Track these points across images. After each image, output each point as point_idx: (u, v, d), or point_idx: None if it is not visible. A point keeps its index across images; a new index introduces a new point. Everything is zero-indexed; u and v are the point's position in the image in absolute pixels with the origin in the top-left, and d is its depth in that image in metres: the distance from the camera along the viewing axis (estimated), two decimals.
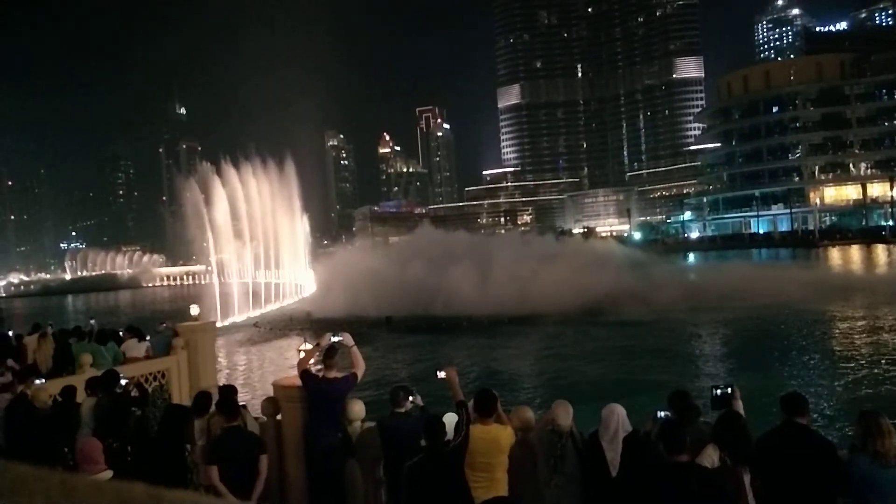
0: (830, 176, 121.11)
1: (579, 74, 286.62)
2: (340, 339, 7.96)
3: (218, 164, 56.44)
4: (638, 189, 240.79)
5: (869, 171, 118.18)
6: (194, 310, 15.93)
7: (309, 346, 8.46)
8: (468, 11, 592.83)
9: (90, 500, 1.04)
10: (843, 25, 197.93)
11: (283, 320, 44.01)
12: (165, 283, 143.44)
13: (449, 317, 37.75)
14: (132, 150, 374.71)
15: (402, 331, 36.17)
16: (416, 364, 26.32)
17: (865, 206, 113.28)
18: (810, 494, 5.07)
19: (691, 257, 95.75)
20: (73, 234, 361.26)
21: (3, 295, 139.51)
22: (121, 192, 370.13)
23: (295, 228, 64.24)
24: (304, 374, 7.77)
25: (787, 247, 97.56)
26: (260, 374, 26.43)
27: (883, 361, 22.05)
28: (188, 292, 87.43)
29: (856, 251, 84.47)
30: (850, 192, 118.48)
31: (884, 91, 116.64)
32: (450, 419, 6.50)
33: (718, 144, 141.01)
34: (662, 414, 5.86)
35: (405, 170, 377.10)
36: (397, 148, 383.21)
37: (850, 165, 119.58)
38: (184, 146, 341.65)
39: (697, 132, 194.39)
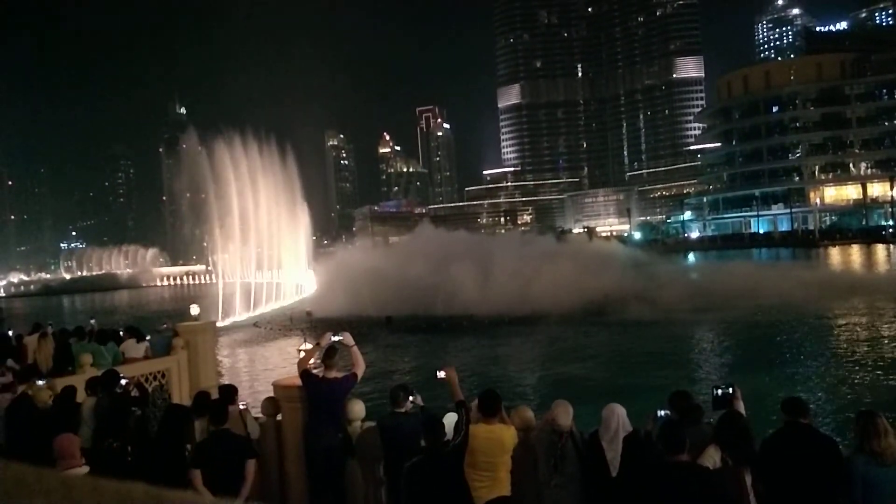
0: (830, 176, 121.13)
1: (579, 74, 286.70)
2: (340, 338, 7.96)
3: (216, 163, 56.20)
4: (638, 189, 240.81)
5: (869, 170, 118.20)
6: (194, 310, 15.95)
7: (309, 346, 8.46)
8: (468, 11, 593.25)
9: (90, 500, 1.02)
10: (843, 25, 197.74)
11: (284, 320, 44.02)
12: (166, 283, 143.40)
13: (449, 317, 37.74)
14: (132, 149, 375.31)
15: (403, 331, 36.15)
16: (417, 364, 26.33)
17: (865, 205, 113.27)
18: (816, 494, 5.08)
19: (691, 257, 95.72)
20: (74, 233, 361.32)
21: (4, 295, 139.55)
22: (121, 191, 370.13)
23: (295, 228, 64.24)
24: (305, 374, 7.77)
25: (788, 247, 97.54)
26: (260, 374, 26.41)
27: (884, 362, 22.05)
28: (188, 292, 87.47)
29: (856, 251, 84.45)
30: (851, 192, 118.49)
31: (884, 91, 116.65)
32: (450, 419, 6.50)
33: (718, 144, 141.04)
34: (662, 413, 5.86)
35: (405, 169, 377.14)
36: (397, 148, 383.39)
37: (851, 165, 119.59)
38: (184, 146, 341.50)
39: (697, 132, 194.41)
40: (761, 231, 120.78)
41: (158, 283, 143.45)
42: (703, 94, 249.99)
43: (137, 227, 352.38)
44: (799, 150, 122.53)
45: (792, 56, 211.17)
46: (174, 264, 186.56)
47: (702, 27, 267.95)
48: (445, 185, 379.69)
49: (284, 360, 28.06)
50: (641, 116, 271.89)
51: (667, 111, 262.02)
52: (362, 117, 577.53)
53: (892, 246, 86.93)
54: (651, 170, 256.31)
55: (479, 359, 26.80)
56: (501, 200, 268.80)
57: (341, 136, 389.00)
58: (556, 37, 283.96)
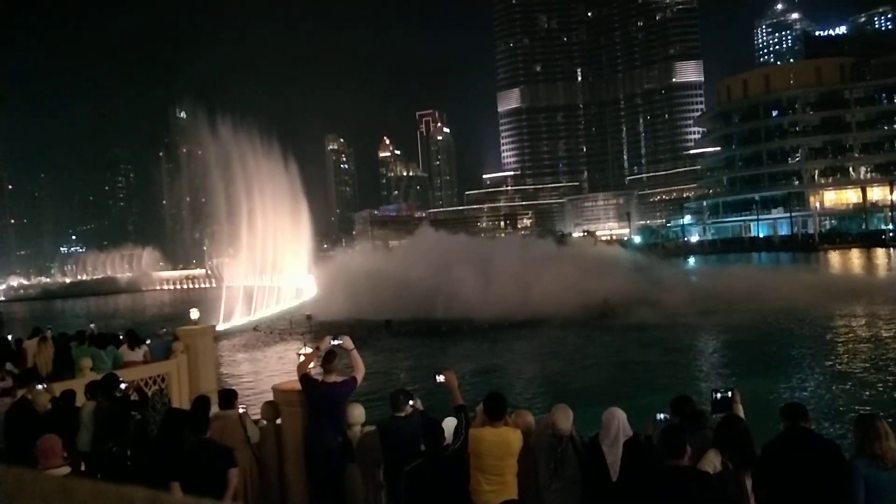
0: (830, 180, 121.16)
1: (579, 78, 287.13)
2: (340, 342, 7.96)
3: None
4: (638, 193, 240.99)
5: (869, 174, 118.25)
6: (194, 314, 15.95)
7: (309, 350, 8.47)
8: (468, 15, 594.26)
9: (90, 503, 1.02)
10: (842, 29, 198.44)
11: (284, 324, 43.99)
12: (165, 287, 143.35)
13: (449, 320, 37.72)
14: (132, 154, 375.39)
15: (402, 334, 36.12)
16: (416, 368, 26.29)
17: (865, 209, 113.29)
18: (818, 498, 5.08)
19: (691, 261, 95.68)
20: (74, 237, 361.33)
21: (3, 299, 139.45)
22: (121, 196, 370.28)
23: (295, 232, 64.23)
24: (304, 377, 7.77)
25: (787, 250, 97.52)
26: (260, 378, 26.37)
27: (886, 365, 22.03)
28: (188, 296, 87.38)
29: (856, 255, 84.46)
30: (850, 196, 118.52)
31: (883, 95, 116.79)
32: (450, 423, 6.50)
33: (718, 148, 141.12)
34: (662, 416, 5.86)
35: (405, 173, 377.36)
36: (397, 152, 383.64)
37: (850, 169, 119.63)
38: (184, 150, 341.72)
39: (697, 136, 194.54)
40: (761, 235, 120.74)
41: (158, 287, 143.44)
42: (702, 98, 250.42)
43: (137, 231, 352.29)
44: (799, 154, 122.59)
45: (791, 60, 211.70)
46: (174, 268, 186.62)
47: (701, 31, 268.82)
48: (445, 189, 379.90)
49: (284, 363, 28.04)
50: (641, 120, 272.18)
51: (666, 115, 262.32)
52: (362, 121, 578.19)
53: (892, 250, 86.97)
54: (651, 174, 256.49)
55: (479, 363, 26.77)
56: (501, 204, 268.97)
57: (341, 139, 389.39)
58: (556, 41, 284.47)
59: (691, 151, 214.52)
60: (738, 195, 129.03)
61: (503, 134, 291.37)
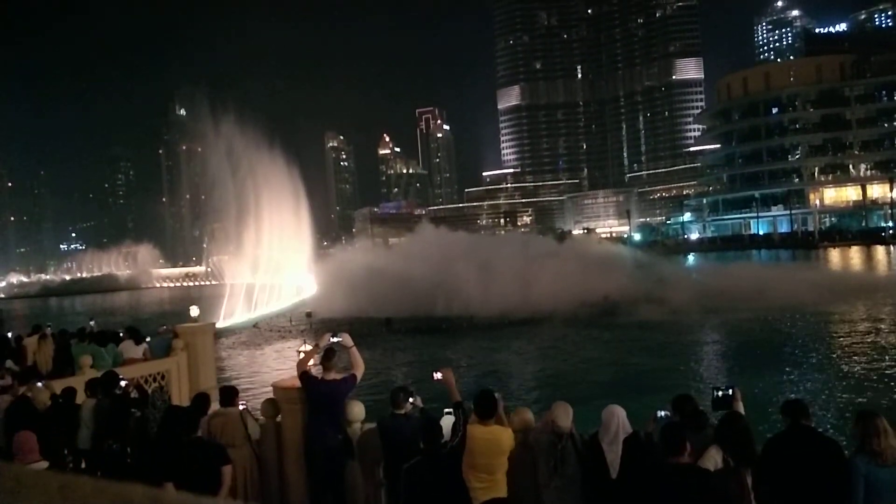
0: (830, 177, 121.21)
1: (579, 76, 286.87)
2: (339, 339, 7.96)
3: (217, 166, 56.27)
4: (638, 190, 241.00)
5: (869, 172, 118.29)
6: (194, 311, 15.95)
7: (308, 348, 8.46)
8: (468, 12, 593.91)
9: (90, 501, 1.01)
10: (842, 27, 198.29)
11: (283, 322, 43.99)
12: (165, 284, 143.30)
13: (449, 318, 37.71)
14: (132, 151, 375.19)
15: (402, 332, 36.11)
16: (416, 365, 26.28)
17: (865, 207, 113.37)
18: (819, 496, 5.09)
19: (691, 258, 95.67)
20: (73, 235, 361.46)
21: (3, 296, 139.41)
22: (121, 193, 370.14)
23: (295, 230, 64.20)
24: (304, 375, 7.77)
25: (787, 248, 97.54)
26: (260, 375, 26.38)
27: (888, 362, 22.04)
28: (188, 293, 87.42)
29: (856, 252, 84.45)
30: (850, 194, 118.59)
31: (883, 92, 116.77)
32: (449, 421, 6.50)
33: (718, 146, 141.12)
34: (662, 414, 5.86)
35: (405, 171, 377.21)
36: (397, 149, 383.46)
37: (850, 167, 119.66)
38: (183, 147, 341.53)
39: (697, 133, 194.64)
40: (761, 232, 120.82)
41: (158, 285, 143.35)
42: (702, 96, 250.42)
43: (137, 228, 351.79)
44: (798, 152, 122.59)
45: (791, 58, 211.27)
46: (174, 266, 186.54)
47: (701, 29, 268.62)
48: (445, 187, 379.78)
49: (284, 361, 28.04)
50: (641, 118, 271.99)
51: (666, 113, 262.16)
52: (362, 118, 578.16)
53: (891, 247, 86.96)
54: (651, 171, 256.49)
55: (479, 360, 26.79)
56: (501, 202, 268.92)
57: (341, 137, 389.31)
58: (556, 38, 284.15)
59: (691, 149, 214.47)
60: (738, 192, 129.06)
61: (503, 131, 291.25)
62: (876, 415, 5.14)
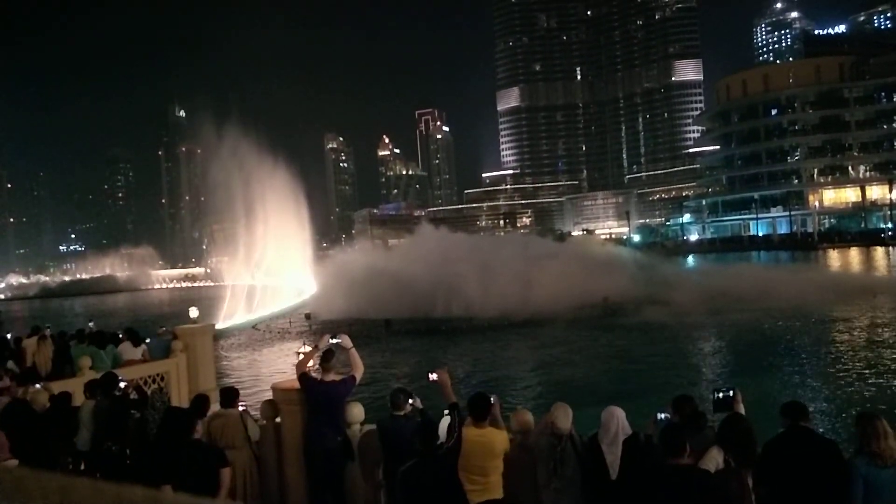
0: (829, 178, 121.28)
1: (578, 77, 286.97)
2: (339, 340, 7.95)
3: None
4: (637, 192, 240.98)
5: (868, 173, 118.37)
6: (193, 312, 15.94)
7: (308, 349, 8.45)
8: (467, 14, 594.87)
9: (89, 502, 1.01)
10: (841, 28, 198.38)
11: (283, 323, 43.96)
12: (165, 285, 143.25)
13: (449, 319, 37.68)
14: (132, 152, 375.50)
15: (402, 334, 36.08)
16: (416, 367, 26.26)
17: (864, 208, 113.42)
18: (818, 498, 5.09)
19: (690, 260, 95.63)
20: (73, 236, 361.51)
21: (2, 297, 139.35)
22: (120, 194, 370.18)
23: (295, 231, 64.19)
24: (303, 376, 7.76)
25: (786, 249, 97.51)
26: (259, 376, 26.36)
27: (891, 363, 22.02)
28: (188, 295, 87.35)
29: (855, 254, 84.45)
30: (849, 195, 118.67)
31: (882, 94, 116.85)
32: (443, 425, 6.49)
33: (717, 147, 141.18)
34: (663, 416, 5.85)
35: (404, 172, 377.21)
36: (397, 150, 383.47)
37: (849, 168, 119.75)
38: (183, 149, 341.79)
39: (696, 135, 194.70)
40: (760, 234, 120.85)
41: (157, 286, 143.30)
42: (701, 98, 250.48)
43: (136, 229, 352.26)
44: (798, 153, 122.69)
45: (791, 59, 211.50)
46: (173, 267, 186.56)
47: (700, 30, 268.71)
48: (445, 188, 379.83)
49: (283, 362, 28.02)
50: (640, 119, 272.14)
51: (666, 114, 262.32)
52: (361, 120, 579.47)
53: (891, 248, 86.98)
54: (650, 172, 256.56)
55: (478, 362, 26.77)
56: (500, 203, 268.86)
57: (340, 138, 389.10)
58: (556, 40, 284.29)
59: (690, 150, 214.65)
60: (737, 194, 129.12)
61: (502, 133, 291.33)
62: (876, 416, 5.16)
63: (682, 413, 5.98)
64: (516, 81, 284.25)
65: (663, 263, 62.94)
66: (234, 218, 57.32)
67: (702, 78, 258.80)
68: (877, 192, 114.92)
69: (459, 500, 5.81)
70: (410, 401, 7.16)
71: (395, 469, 6.47)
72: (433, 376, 6.82)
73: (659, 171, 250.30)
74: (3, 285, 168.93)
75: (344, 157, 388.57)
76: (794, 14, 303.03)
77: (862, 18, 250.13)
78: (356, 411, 7.87)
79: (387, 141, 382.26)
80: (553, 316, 35.44)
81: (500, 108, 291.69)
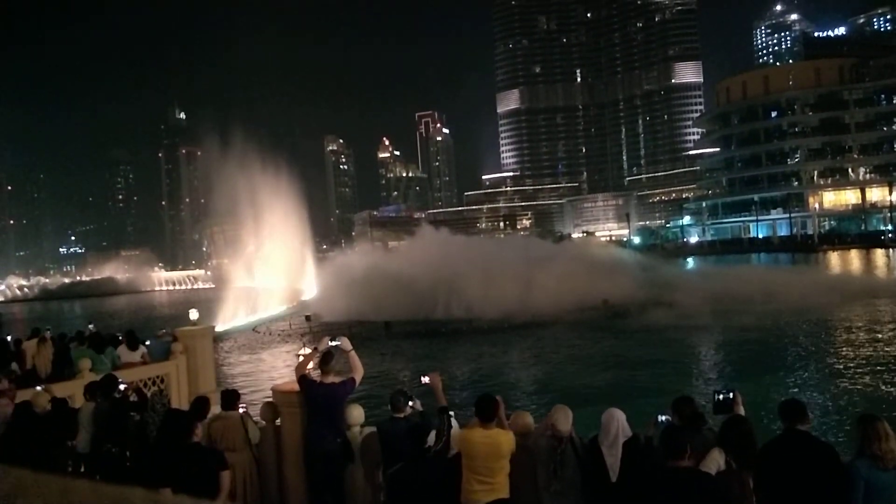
0: (829, 181, 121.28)
1: (578, 79, 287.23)
2: (338, 343, 7.96)
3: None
4: (637, 194, 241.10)
5: (868, 175, 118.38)
6: (193, 314, 15.93)
7: (308, 351, 8.45)
8: (467, 17, 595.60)
9: None
10: (841, 31, 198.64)
11: (283, 325, 43.94)
12: (165, 287, 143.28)
13: (450, 321, 37.64)
14: (132, 154, 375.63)
15: (402, 336, 36.05)
16: (415, 369, 26.24)
17: (864, 210, 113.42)
18: (816, 500, 5.08)
19: (690, 262, 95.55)
20: (73, 238, 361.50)
21: (2, 300, 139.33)
22: (120, 196, 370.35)
23: (295, 233, 64.24)
24: (302, 378, 7.76)
25: (786, 251, 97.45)
26: (259, 379, 26.35)
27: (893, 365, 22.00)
28: (188, 297, 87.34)
29: (855, 256, 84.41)
30: (850, 197, 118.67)
31: (882, 96, 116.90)
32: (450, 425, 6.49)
33: (717, 149, 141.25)
34: (663, 418, 5.85)
35: (405, 174, 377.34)
36: (397, 153, 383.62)
37: (849, 170, 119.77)
38: (183, 151, 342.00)
39: (696, 137, 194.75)
40: (760, 236, 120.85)
41: (157, 288, 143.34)
42: (701, 100, 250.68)
43: (137, 231, 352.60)
44: (798, 155, 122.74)
45: (790, 61, 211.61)
46: (173, 269, 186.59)
47: (700, 33, 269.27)
48: (445, 190, 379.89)
49: (283, 364, 28.01)
50: (640, 121, 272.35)
51: (666, 116, 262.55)
52: (362, 122, 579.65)
53: (891, 251, 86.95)
54: (650, 175, 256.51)
55: (478, 364, 26.72)
56: (501, 205, 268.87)
57: (341, 140, 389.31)
58: (556, 42, 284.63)
59: (690, 152, 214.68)
60: (737, 196, 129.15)
61: (502, 135, 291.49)
62: (877, 418, 5.13)
63: (682, 415, 5.97)
64: (516, 83, 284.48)
65: (664, 265, 62.88)
66: (235, 220, 57.36)
67: (701, 80, 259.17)
68: (877, 195, 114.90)
69: (447, 502, 5.84)
70: (410, 403, 7.16)
71: None
72: (425, 379, 6.92)
73: (659, 174, 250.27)
74: (3, 287, 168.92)
75: (344, 160, 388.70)
76: (794, 16, 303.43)
77: (862, 20, 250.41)
78: (356, 413, 7.87)
79: (387, 143, 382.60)
80: (554, 318, 35.40)
81: (499, 110, 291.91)
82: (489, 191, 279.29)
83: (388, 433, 7.05)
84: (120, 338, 15.28)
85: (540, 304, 37.97)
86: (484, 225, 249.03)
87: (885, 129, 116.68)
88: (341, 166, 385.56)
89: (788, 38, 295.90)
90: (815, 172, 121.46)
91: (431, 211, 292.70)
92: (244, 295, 53.33)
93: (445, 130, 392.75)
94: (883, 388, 19.36)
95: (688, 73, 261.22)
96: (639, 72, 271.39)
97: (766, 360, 24.03)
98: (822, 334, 29.15)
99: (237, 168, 57.53)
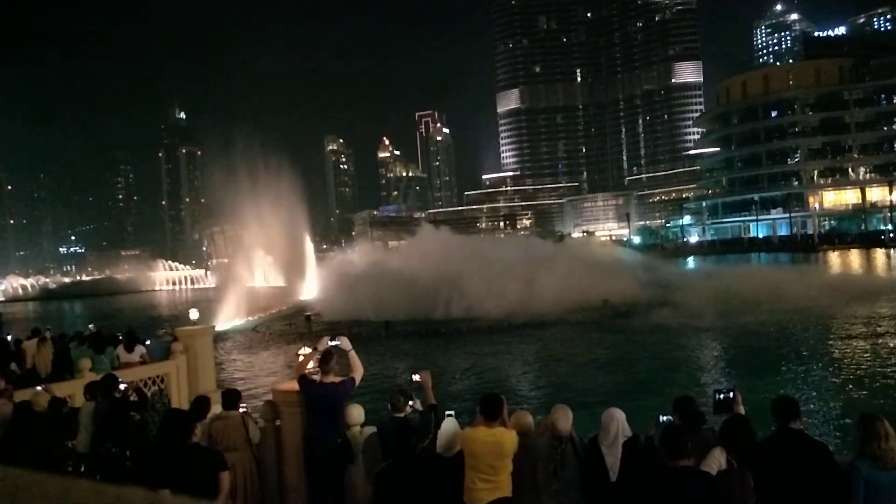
0: (829, 180, 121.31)
1: (578, 79, 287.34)
2: (338, 342, 7.96)
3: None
4: (637, 193, 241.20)
5: (868, 175, 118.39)
6: (193, 314, 15.93)
7: (307, 351, 8.44)
8: (468, 16, 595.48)
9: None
10: (841, 30, 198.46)
11: (283, 325, 43.93)
12: (165, 287, 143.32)
13: (449, 321, 37.63)
14: (132, 154, 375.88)
15: (402, 336, 36.02)
16: (415, 369, 26.16)
17: (864, 210, 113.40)
18: (811, 500, 5.07)
19: (691, 262, 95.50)
20: (73, 238, 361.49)
21: (3, 299, 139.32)
22: (120, 196, 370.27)
23: (295, 233, 64.23)
24: (302, 378, 7.76)
25: (787, 251, 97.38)
26: (259, 378, 26.34)
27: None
28: (188, 296, 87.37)
29: (856, 255, 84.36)
30: (850, 197, 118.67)
31: (882, 96, 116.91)
32: (448, 425, 6.48)
33: (717, 149, 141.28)
34: (665, 419, 5.85)
35: (405, 174, 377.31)
36: (397, 152, 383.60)
37: (850, 170, 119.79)
38: (183, 151, 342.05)
39: (696, 137, 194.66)
40: (760, 235, 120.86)
41: (157, 288, 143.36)
42: (701, 99, 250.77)
43: (136, 231, 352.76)
44: (798, 155, 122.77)
45: (791, 61, 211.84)
46: (173, 270, 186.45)
47: (700, 32, 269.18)
48: (445, 190, 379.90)
49: (284, 364, 28.00)
50: (640, 121, 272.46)
51: (666, 116, 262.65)
52: (362, 122, 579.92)
53: (891, 250, 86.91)
54: (650, 174, 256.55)
55: (478, 364, 26.72)
56: (501, 205, 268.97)
57: (341, 140, 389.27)
58: (556, 42, 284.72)
59: (690, 152, 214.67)
60: (737, 196, 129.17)
61: (502, 135, 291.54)
62: (878, 418, 5.13)
63: (682, 414, 5.97)
64: (516, 83, 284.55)
65: (664, 265, 62.83)
66: (235, 220, 57.40)
67: (702, 80, 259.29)
68: (877, 194, 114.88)
69: (434, 501, 5.85)
70: (410, 403, 7.16)
71: None
72: (416, 377, 7.02)
73: (659, 173, 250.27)
74: (3, 287, 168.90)
75: (344, 159, 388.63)
76: (794, 16, 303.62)
77: (862, 20, 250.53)
78: (356, 413, 7.87)
79: (387, 143, 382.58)
80: (554, 318, 35.37)
81: (500, 109, 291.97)
82: (489, 191, 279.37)
83: (387, 433, 7.06)
84: (120, 337, 15.29)
85: (540, 303, 37.94)
86: (484, 225, 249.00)
87: (885, 128, 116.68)
88: (341, 166, 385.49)
89: (788, 37, 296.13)
90: (816, 172, 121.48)
91: (431, 211, 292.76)
92: (244, 294, 53.28)
93: (445, 130, 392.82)
94: (883, 387, 19.36)
95: (688, 73, 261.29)
96: (639, 72, 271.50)
97: (766, 360, 24.00)
98: (822, 334, 29.10)
99: (237, 168, 57.62)
